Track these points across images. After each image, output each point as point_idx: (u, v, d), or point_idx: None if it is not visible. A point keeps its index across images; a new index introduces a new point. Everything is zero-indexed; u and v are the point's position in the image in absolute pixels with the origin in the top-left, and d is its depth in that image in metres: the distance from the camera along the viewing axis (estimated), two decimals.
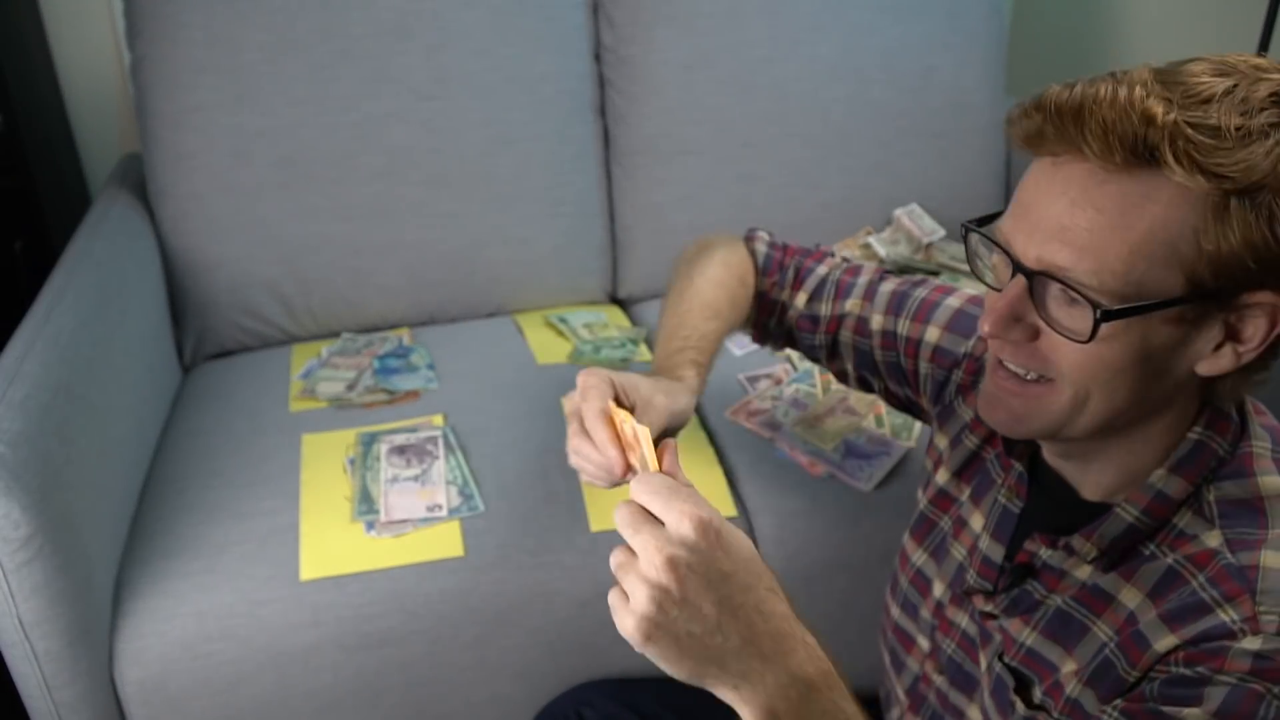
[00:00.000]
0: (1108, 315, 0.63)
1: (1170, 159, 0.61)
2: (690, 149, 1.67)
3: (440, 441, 1.29)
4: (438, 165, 1.56)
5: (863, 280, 1.00)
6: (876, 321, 0.98)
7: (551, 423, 1.35)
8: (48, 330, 1.12)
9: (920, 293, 0.97)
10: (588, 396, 0.77)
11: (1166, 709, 0.65)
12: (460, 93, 1.56)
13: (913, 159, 1.75)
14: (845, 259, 1.05)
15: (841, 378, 1.04)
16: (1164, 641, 0.67)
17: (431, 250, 1.59)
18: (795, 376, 1.43)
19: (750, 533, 1.24)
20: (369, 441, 1.29)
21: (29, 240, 1.68)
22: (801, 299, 1.02)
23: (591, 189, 1.69)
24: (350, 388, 1.42)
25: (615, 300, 1.76)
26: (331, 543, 1.16)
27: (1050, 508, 0.78)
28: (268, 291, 1.55)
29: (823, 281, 1.02)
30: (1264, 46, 1.66)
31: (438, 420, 1.34)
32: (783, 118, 1.69)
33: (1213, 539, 0.68)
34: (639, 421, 0.73)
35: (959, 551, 0.85)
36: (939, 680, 0.89)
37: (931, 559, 0.89)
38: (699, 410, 1.40)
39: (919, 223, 1.70)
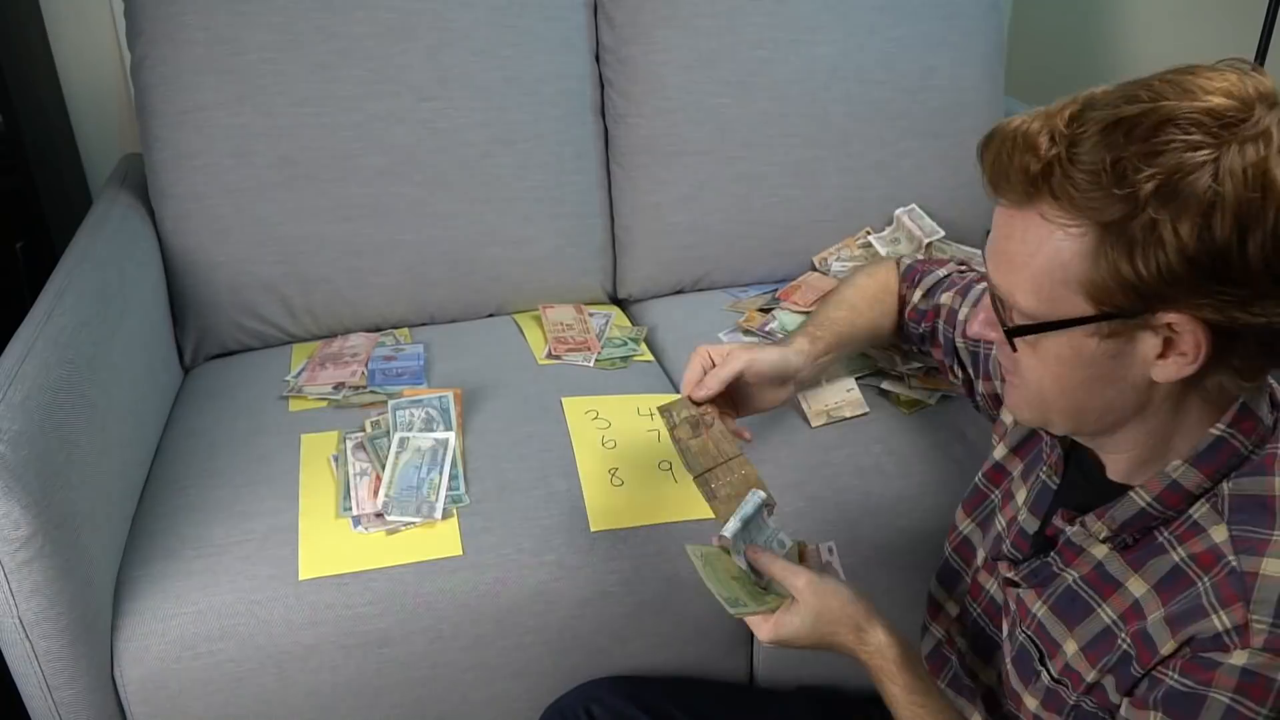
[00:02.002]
0: (1011, 332, 0.72)
1: (1049, 194, 0.66)
2: (690, 149, 1.67)
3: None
4: (438, 165, 1.57)
5: (966, 281, 1.10)
6: (963, 312, 1.06)
7: (552, 422, 1.35)
8: (48, 330, 1.13)
9: None
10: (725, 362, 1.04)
11: (1154, 717, 0.67)
12: (460, 93, 1.56)
13: (913, 159, 1.75)
14: (968, 266, 1.16)
15: (941, 369, 1.15)
16: (1167, 645, 0.69)
17: (431, 250, 1.59)
18: None
19: None
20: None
21: (29, 240, 1.68)
22: (917, 295, 1.15)
23: (591, 189, 1.69)
24: (337, 389, 1.42)
25: (615, 300, 1.76)
26: (330, 542, 1.16)
27: (1082, 486, 0.82)
28: (268, 291, 1.55)
29: (939, 280, 1.14)
30: (1264, 46, 1.66)
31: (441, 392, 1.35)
32: (783, 118, 1.69)
33: (1219, 533, 0.69)
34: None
35: (1000, 522, 0.90)
36: (961, 643, 0.94)
37: (979, 528, 0.94)
38: None
39: (919, 223, 1.70)
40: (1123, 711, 0.72)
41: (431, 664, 1.17)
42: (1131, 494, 0.74)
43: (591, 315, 1.64)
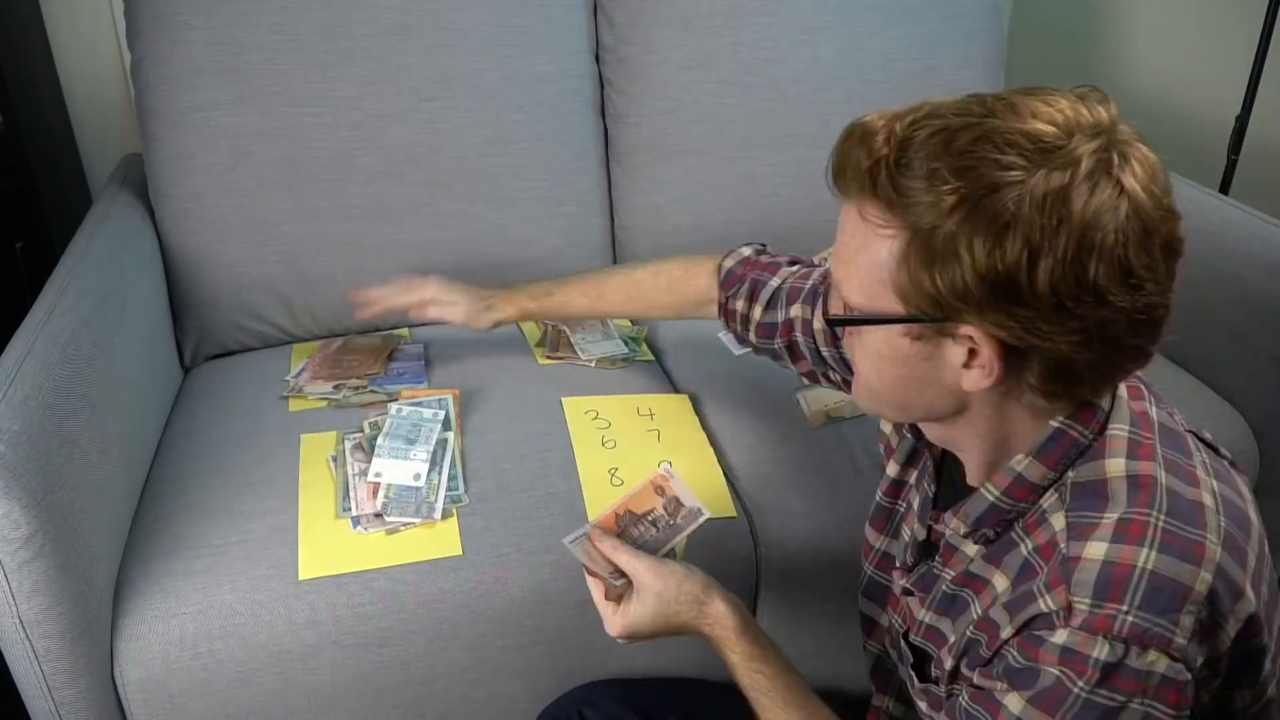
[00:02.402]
0: (830, 320, 0.78)
1: (872, 193, 0.67)
2: (690, 149, 1.67)
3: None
4: (438, 165, 1.57)
5: (809, 285, 1.08)
6: (818, 320, 1.05)
7: (552, 422, 1.35)
8: (48, 330, 1.13)
9: None
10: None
11: (999, 686, 0.70)
12: (460, 93, 1.56)
13: None
14: (800, 266, 1.13)
15: (812, 378, 1.13)
16: (1006, 630, 0.71)
17: (431, 250, 1.59)
18: None
19: (751, 533, 1.24)
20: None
21: (29, 240, 1.68)
22: (758, 310, 1.13)
23: (591, 189, 1.69)
24: (336, 389, 1.42)
25: None
26: (329, 542, 1.16)
27: (953, 491, 0.83)
28: (268, 291, 1.55)
29: (775, 292, 1.11)
30: (1264, 46, 1.66)
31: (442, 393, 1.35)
32: (783, 118, 1.69)
33: (1058, 521, 0.71)
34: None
35: (906, 533, 0.91)
36: (893, 654, 0.95)
37: (894, 539, 0.95)
38: (698, 410, 1.40)
39: None
40: (975, 679, 0.74)
41: (431, 664, 1.17)
42: (981, 490, 0.76)
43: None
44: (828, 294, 0.78)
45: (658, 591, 0.91)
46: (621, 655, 1.23)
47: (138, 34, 1.49)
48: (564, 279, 1.34)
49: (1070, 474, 0.72)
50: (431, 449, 1.25)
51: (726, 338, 1.54)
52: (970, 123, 0.65)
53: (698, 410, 1.40)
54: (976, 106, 0.66)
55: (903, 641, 0.88)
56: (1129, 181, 0.63)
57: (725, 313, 1.19)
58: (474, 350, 1.53)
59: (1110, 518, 0.68)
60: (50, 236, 1.68)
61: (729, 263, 1.18)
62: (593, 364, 1.50)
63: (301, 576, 1.12)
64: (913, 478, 0.92)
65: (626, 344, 1.55)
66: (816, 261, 1.15)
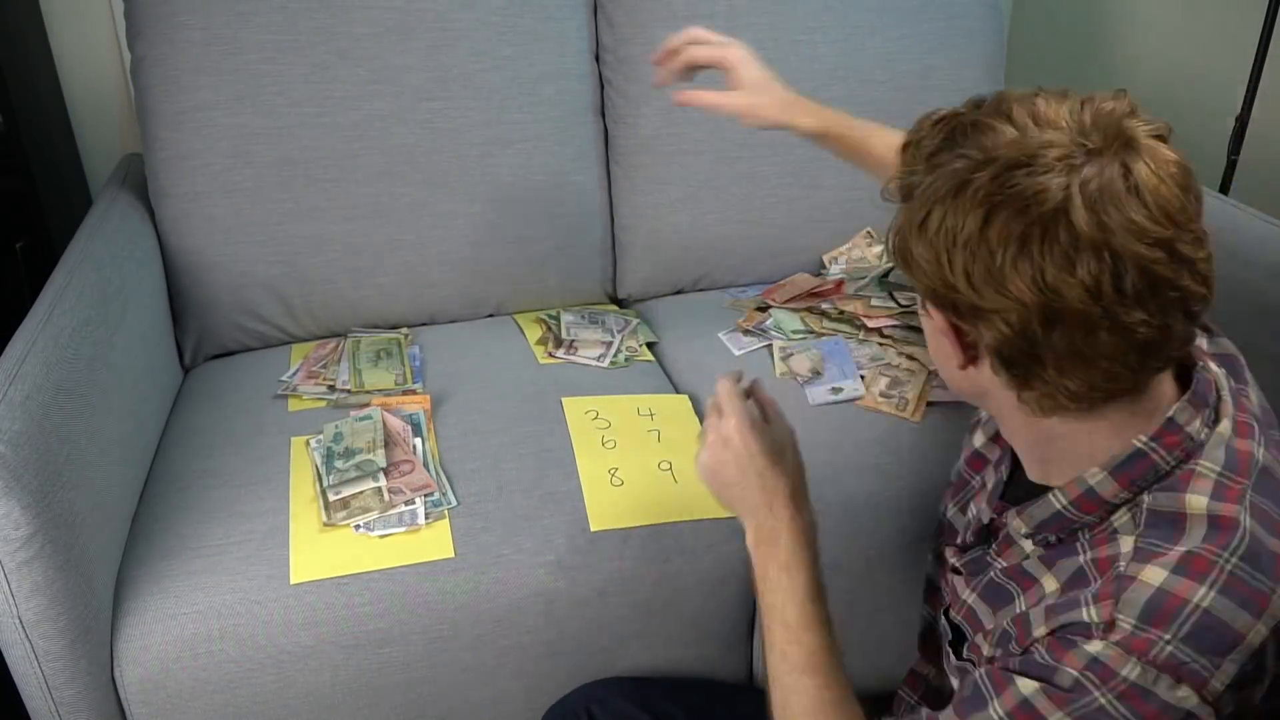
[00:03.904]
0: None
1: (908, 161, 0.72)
2: (690, 149, 1.67)
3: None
4: (438, 165, 1.57)
5: None
6: None
7: (552, 422, 1.35)
8: (48, 330, 1.13)
9: None
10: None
11: (1016, 671, 0.70)
12: (460, 93, 1.56)
13: None
14: None
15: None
16: (1040, 629, 0.71)
17: (431, 250, 1.59)
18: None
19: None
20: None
21: (29, 240, 1.68)
22: None
23: (591, 189, 1.69)
24: (331, 389, 1.42)
25: (615, 300, 1.77)
26: (320, 546, 1.15)
27: (1023, 481, 0.83)
28: (268, 291, 1.55)
29: None
30: (1264, 46, 1.66)
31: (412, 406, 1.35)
32: None
33: (1127, 543, 0.70)
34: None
35: (973, 509, 0.91)
36: (943, 624, 0.94)
37: (960, 513, 0.94)
38: (698, 408, 1.40)
39: None
40: (997, 662, 0.74)
41: (431, 664, 1.17)
42: (1050, 496, 0.76)
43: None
44: None
45: (735, 449, 0.87)
46: (622, 656, 1.23)
47: (138, 34, 1.49)
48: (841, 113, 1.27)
49: (1147, 498, 0.71)
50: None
51: (727, 338, 1.55)
52: (991, 110, 0.70)
53: (698, 410, 1.40)
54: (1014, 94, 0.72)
55: (943, 616, 0.88)
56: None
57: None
58: (474, 350, 1.53)
59: (1179, 549, 0.67)
60: (50, 236, 1.68)
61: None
62: (606, 364, 1.50)
63: (293, 581, 1.12)
64: (995, 455, 0.92)
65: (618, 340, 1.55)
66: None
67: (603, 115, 1.70)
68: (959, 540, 0.91)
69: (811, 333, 1.52)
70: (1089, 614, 0.68)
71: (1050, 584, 0.75)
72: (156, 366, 1.43)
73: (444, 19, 1.55)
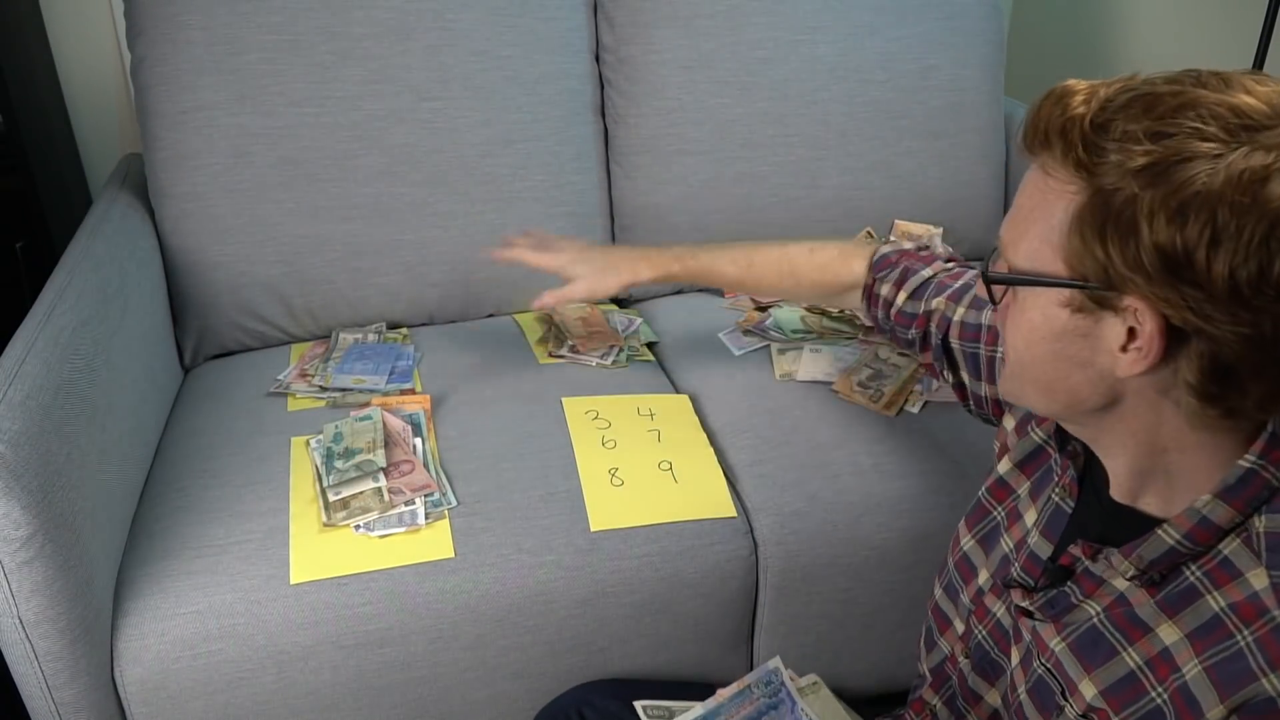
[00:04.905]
0: (988, 278, 0.72)
1: (1060, 148, 0.64)
2: (690, 149, 1.67)
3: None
4: (438, 165, 1.57)
5: (958, 284, 1.08)
6: (958, 314, 1.05)
7: (552, 422, 1.35)
8: (48, 330, 1.13)
9: None
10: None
11: None
12: (460, 93, 1.56)
13: (913, 159, 1.75)
14: (956, 265, 1.14)
15: (931, 372, 1.13)
16: (1215, 711, 0.65)
17: (431, 250, 1.59)
18: None
19: (750, 533, 1.24)
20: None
21: (29, 240, 1.68)
22: (902, 297, 1.12)
23: (591, 189, 1.69)
24: (325, 389, 1.42)
25: (615, 300, 1.76)
26: (320, 546, 1.15)
27: (1096, 509, 0.78)
28: (268, 291, 1.55)
29: (925, 282, 1.11)
30: (1264, 46, 1.66)
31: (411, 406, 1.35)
32: (783, 118, 1.69)
33: (1258, 579, 0.65)
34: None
35: (1008, 543, 0.86)
36: (964, 663, 0.91)
37: (979, 546, 0.91)
38: (698, 410, 1.40)
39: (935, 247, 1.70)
40: None
41: (431, 664, 1.17)
42: (1159, 532, 0.69)
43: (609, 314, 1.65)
44: (991, 258, 0.74)
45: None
46: (622, 656, 1.23)
47: (138, 34, 1.49)
48: (710, 244, 1.30)
49: (1259, 521, 0.66)
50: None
51: (727, 337, 1.55)
52: (1177, 90, 0.61)
53: (698, 410, 1.40)
54: (1188, 78, 0.62)
55: (1039, 664, 0.80)
56: None
57: (869, 296, 1.18)
58: (474, 349, 1.53)
59: None
60: (50, 236, 1.68)
61: (885, 249, 1.18)
62: (609, 363, 1.50)
63: (293, 581, 1.12)
64: (1024, 485, 0.86)
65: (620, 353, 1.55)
66: (953, 257, 1.16)
67: (603, 115, 1.70)
68: (998, 576, 0.85)
69: (811, 332, 1.52)
70: (1271, 685, 0.62)
71: (1170, 634, 0.68)
72: (156, 366, 1.43)
73: (444, 19, 1.55)
